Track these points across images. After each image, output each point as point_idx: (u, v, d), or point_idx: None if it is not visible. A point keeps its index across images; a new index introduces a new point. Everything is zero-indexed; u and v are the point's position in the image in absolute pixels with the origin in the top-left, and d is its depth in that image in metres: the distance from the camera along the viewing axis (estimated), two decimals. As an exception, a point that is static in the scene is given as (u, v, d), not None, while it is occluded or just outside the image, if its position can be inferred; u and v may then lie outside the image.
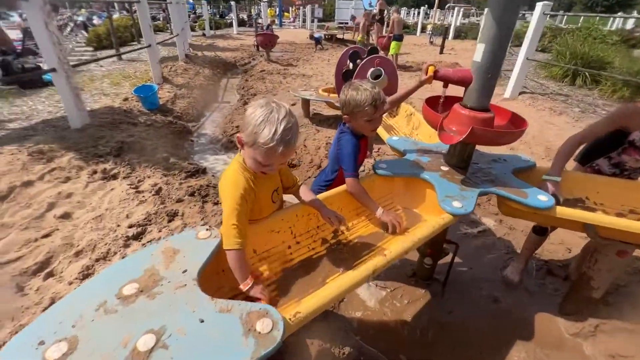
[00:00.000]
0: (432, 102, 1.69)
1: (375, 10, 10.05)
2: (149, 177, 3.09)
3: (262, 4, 20.44)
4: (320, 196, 1.46)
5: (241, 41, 14.04)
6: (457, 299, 2.08)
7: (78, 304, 0.84)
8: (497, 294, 2.12)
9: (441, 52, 12.17)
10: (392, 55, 8.36)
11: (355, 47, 3.42)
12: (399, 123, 2.93)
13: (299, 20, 25.75)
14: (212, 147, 4.45)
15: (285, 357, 1.42)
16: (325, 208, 1.34)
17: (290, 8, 32.75)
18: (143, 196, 2.79)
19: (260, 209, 1.26)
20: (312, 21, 21.77)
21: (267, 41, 9.53)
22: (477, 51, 1.44)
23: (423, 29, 20.22)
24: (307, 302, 0.93)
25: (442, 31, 13.39)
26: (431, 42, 15.55)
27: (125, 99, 4.97)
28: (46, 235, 2.30)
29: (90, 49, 9.21)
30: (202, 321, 0.82)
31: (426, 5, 24.29)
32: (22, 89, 5.84)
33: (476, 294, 2.13)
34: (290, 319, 0.87)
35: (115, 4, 13.93)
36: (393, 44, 8.36)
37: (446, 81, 1.57)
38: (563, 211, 1.42)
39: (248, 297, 1.06)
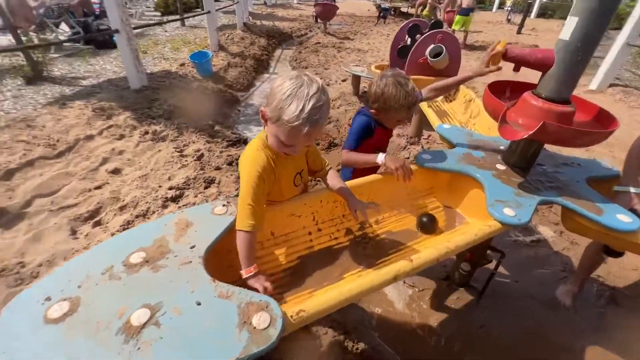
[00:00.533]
0: (496, 88, 1.42)
1: None
2: (193, 142, 3.19)
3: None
4: (350, 183, 1.34)
5: (300, 11, 13.75)
6: (493, 313, 1.87)
7: (89, 265, 0.85)
8: (542, 316, 1.86)
9: (519, 32, 10.75)
10: (454, 30, 7.46)
11: (417, 20, 3.08)
12: (455, 109, 2.63)
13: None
14: (256, 119, 4.47)
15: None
16: (352, 198, 1.22)
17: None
18: (186, 160, 2.89)
19: (280, 191, 1.17)
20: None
21: (326, 12, 9.16)
22: (565, 26, 1.15)
23: (501, 5, 18.00)
24: (314, 301, 0.85)
25: (523, 7, 11.76)
26: (508, 20, 13.78)
27: (182, 64, 5.16)
28: (98, 187, 2.49)
29: (158, 14, 9.66)
30: (199, 304, 0.78)
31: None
32: (97, 48, 6.36)
33: (516, 311, 1.89)
34: (292, 317, 0.80)
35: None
36: (457, 18, 7.42)
37: (519, 63, 1.30)
38: (650, 238, 1.13)
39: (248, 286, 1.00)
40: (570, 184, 1.37)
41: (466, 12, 7.39)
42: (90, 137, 3.07)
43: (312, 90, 0.90)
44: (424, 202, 1.55)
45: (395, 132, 4.01)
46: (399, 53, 3.06)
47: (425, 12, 9.66)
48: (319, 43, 8.03)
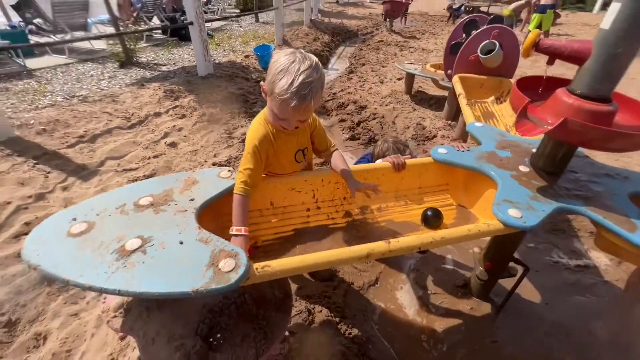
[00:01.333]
0: (528, 83, 1.31)
1: None
2: (241, 126, 3.45)
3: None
4: (355, 168, 1.37)
5: (371, 10, 13.67)
6: (510, 331, 1.72)
7: (109, 200, 1.04)
8: (566, 348, 1.65)
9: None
10: (529, 31, 6.66)
11: (475, 15, 2.89)
12: (503, 111, 2.44)
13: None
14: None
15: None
16: (352, 178, 1.25)
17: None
18: (232, 141, 3.16)
19: (281, 166, 1.25)
20: None
21: (393, 9, 8.98)
22: (607, 14, 1.02)
23: (605, 5, 15.58)
24: (282, 261, 0.91)
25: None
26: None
27: (247, 56, 5.56)
28: (156, 156, 2.87)
29: (237, 11, 10.48)
30: (181, 243, 0.90)
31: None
32: (180, 41, 7.18)
33: (538, 337, 1.71)
34: (257, 269, 0.88)
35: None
36: (533, 16, 6.60)
37: (552, 55, 1.18)
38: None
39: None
40: (604, 195, 1.21)
41: (543, 9, 6.54)
42: (158, 114, 3.52)
43: (304, 66, 0.96)
44: (437, 198, 1.50)
45: (430, 113, 3.84)
46: (452, 50, 2.91)
47: (507, 11, 8.85)
48: (382, 41, 7.92)
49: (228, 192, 1.15)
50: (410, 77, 4.37)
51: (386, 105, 4.24)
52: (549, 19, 6.76)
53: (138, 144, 3.03)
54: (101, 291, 0.77)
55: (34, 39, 5.77)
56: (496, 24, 2.54)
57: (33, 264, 0.80)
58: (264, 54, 5.16)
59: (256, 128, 1.15)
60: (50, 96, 3.82)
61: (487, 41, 2.45)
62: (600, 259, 2.19)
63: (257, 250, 1.20)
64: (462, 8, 11.50)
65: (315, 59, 1.01)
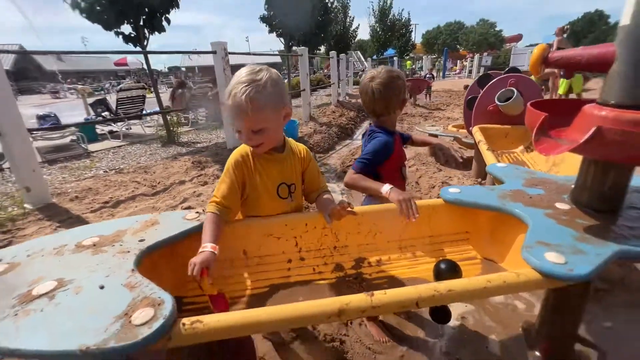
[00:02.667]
0: (542, 105, 1.11)
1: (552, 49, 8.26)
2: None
3: (424, 58, 21.06)
4: (357, 209, 1.14)
5: (396, 91, 14.65)
6: None
7: (53, 240, 0.92)
8: None
9: None
10: (560, 96, 6.46)
11: (489, 72, 2.85)
12: (535, 159, 2.16)
13: (464, 71, 24.83)
14: (327, 175, 4.60)
15: None
16: (325, 214, 1.07)
17: (458, 61, 32.25)
18: (246, 205, 3.10)
19: (258, 199, 1.09)
20: (478, 70, 20.46)
21: (416, 86, 9.51)
22: (625, 8, 0.86)
23: None
24: (220, 316, 0.68)
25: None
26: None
27: (274, 131, 5.93)
28: (170, 220, 2.85)
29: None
30: (101, 287, 0.72)
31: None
32: (222, 124, 8.02)
33: None
34: (184, 325, 0.65)
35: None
36: (561, 81, 6.46)
37: (567, 66, 1.01)
38: None
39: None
40: (689, 235, 0.86)
41: (570, 72, 6.45)
42: (182, 182, 3.66)
43: (245, 70, 0.95)
44: (455, 250, 1.20)
45: (458, 172, 3.50)
46: (468, 105, 2.81)
47: (535, 78, 8.94)
48: (406, 113, 8.19)
49: (190, 235, 0.99)
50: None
51: (409, 167, 4.08)
52: (579, 81, 6.62)
53: (156, 209, 3.07)
54: (-32, 345, 0.59)
55: (100, 127, 6.77)
56: (513, 73, 2.45)
57: None
58: (288, 128, 5.47)
59: (236, 150, 1.10)
60: (94, 170, 4.21)
61: (504, 89, 2.33)
62: None
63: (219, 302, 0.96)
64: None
65: (272, 70, 0.96)
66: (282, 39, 10.08)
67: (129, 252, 0.86)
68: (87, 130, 6.17)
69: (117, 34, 4.84)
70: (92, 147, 5.75)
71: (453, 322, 1.80)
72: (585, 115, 0.94)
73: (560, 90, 6.59)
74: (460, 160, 1.51)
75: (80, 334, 0.60)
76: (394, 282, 1.07)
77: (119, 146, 5.96)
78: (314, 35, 10.84)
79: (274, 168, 1.09)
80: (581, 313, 1.19)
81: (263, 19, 9.53)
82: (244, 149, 1.10)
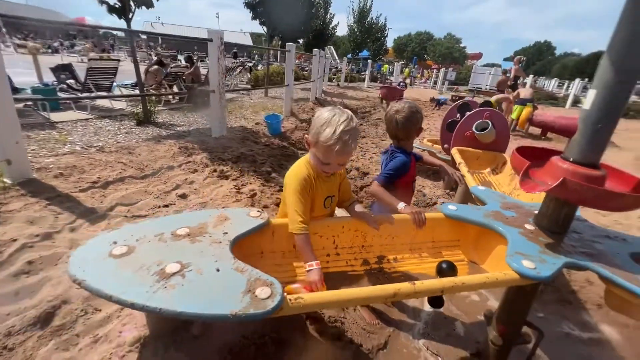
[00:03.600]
0: (523, 151, 1.50)
1: (510, 76, 9.31)
2: (250, 183, 3.60)
3: (396, 64, 21.95)
4: (376, 217, 1.45)
5: (368, 93, 15.22)
6: (529, 406, 1.60)
7: (148, 229, 1.09)
8: None
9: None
10: (512, 119, 7.40)
11: (467, 100, 3.32)
12: (500, 181, 2.64)
13: (430, 82, 26.32)
14: (310, 174, 4.87)
15: None
16: (371, 219, 1.36)
17: (425, 70, 34.00)
18: (240, 196, 3.25)
19: (312, 208, 1.35)
20: (443, 83, 21.90)
21: (390, 94, 10.07)
22: (587, 97, 1.25)
23: (576, 102, 17.64)
24: (315, 295, 0.94)
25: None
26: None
27: (257, 123, 6.03)
28: (166, 206, 2.92)
29: (249, 86, 11.62)
30: (217, 270, 0.94)
31: (587, 79, 21.27)
32: (196, 107, 7.81)
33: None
34: (291, 300, 0.90)
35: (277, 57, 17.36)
36: (515, 107, 7.39)
37: (545, 128, 1.39)
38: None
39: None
40: (608, 254, 1.29)
41: (522, 102, 7.42)
42: (171, 168, 3.68)
43: (343, 118, 1.17)
44: (449, 253, 1.56)
45: (429, 182, 4.02)
46: (448, 127, 3.26)
47: (492, 100, 9.94)
48: (380, 119, 8.69)
49: (256, 232, 1.21)
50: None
51: (386, 173, 4.49)
52: (528, 109, 7.62)
53: (149, 193, 3.11)
54: (143, 309, 0.78)
55: (62, 96, 6.26)
56: (486, 107, 2.92)
57: (78, 279, 0.82)
58: (273, 122, 5.61)
59: (300, 171, 1.28)
60: (69, 145, 4.01)
61: (480, 120, 2.78)
62: (611, 333, 2.15)
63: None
64: (443, 98, 12.99)
65: (350, 112, 1.20)
66: (264, 27, 9.99)
67: (220, 242, 1.07)
68: (47, 93, 5.70)
69: (101, 2, 4.58)
70: (54, 116, 5.34)
71: (428, 310, 2.20)
72: (554, 165, 1.33)
73: (513, 115, 7.51)
74: (460, 182, 1.87)
75: (223, 303, 0.83)
76: (407, 276, 1.39)
77: (86, 119, 5.61)
78: (296, 28, 10.91)
79: (325, 185, 1.35)
80: (529, 305, 1.62)
81: (248, 4, 9.37)
82: (307, 170, 1.29)
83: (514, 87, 9.33)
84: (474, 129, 2.76)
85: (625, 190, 1.32)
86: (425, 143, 4.36)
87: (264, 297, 0.85)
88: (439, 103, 12.51)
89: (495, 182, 2.63)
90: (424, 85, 26.36)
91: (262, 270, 1.24)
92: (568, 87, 19.07)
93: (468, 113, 2.97)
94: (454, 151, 2.80)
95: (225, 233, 1.12)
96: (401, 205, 1.52)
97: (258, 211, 1.30)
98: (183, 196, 3.13)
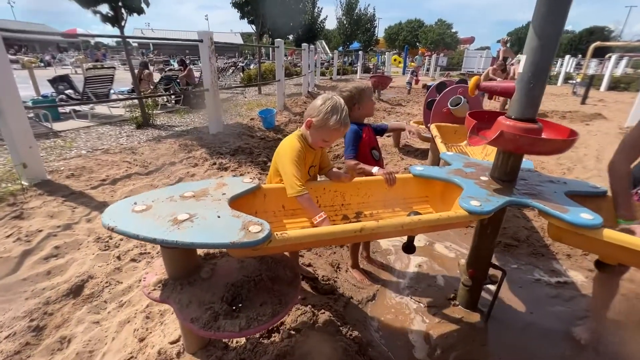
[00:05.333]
0: (477, 115, 1.74)
1: (500, 57, 9.46)
2: (248, 172, 3.85)
3: (387, 54, 22.06)
4: (356, 180, 1.70)
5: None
6: (498, 336, 1.86)
7: (160, 194, 1.33)
8: (553, 350, 1.79)
9: (583, 103, 10.49)
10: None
11: (444, 80, 3.53)
12: (474, 150, 2.87)
13: (422, 69, 26.40)
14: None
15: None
16: (343, 174, 1.66)
17: (416, 58, 33.99)
18: (239, 184, 3.50)
19: None
20: (435, 69, 22.00)
21: (381, 82, 10.27)
22: (520, 62, 1.49)
23: (568, 79, 17.75)
24: (297, 231, 1.19)
25: (587, 81, 11.55)
26: (574, 93, 13.50)
27: (252, 119, 6.26)
28: (171, 196, 3.17)
29: (242, 85, 11.83)
30: (218, 217, 1.18)
31: (580, 55, 21.36)
32: (192, 108, 8.06)
33: (525, 341, 1.85)
34: (277, 234, 1.14)
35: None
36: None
37: (489, 92, 1.62)
38: (612, 235, 1.24)
39: None
40: (546, 193, 1.53)
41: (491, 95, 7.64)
42: (173, 163, 3.93)
43: (342, 104, 1.47)
44: (418, 207, 1.80)
45: (417, 161, 4.28)
46: (428, 106, 3.48)
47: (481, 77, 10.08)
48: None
49: (250, 192, 1.46)
50: (397, 133, 4.96)
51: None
52: (476, 78, 7.77)
53: (155, 187, 3.36)
54: (162, 243, 1.03)
55: (65, 104, 6.51)
56: (462, 84, 3.14)
57: (111, 226, 1.07)
58: (267, 116, 5.85)
59: (294, 144, 1.53)
60: (75, 150, 4.27)
61: (454, 96, 3.01)
62: (577, 277, 2.40)
63: None
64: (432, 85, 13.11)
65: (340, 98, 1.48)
66: (253, 26, 10.17)
67: (220, 200, 1.31)
68: (51, 109, 5.96)
69: (95, 12, 4.80)
70: (56, 126, 5.60)
71: (413, 268, 2.45)
72: (498, 123, 1.57)
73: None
74: (423, 134, 2.14)
75: (224, 236, 1.07)
76: (381, 226, 1.64)
77: (88, 126, 5.86)
78: (285, 24, 11.08)
79: (311, 156, 1.61)
80: (492, 250, 1.86)
81: (235, 4, 9.54)
82: (300, 143, 1.53)
83: (504, 69, 9.49)
84: (448, 104, 2.99)
85: (561, 137, 1.56)
86: (411, 124, 4.58)
87: (255, 232, 1.10)
88: (429, 89, 12.64)
89: (470, 152, 2.86)
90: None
91: (257, 227, 1.49)
92: (562, 64, 19.15)
93: (444, 90, 3.19)
94: (432, 127, 3.03)
95: (224, 194, 1.37)
96: (375, 169, 1.77)
97: (250, 178, 1.54)
98: (242, 176, 3.38)
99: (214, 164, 4.00)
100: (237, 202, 1.41)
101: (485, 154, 2.64)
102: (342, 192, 1.68)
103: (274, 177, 1.62)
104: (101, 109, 7.17)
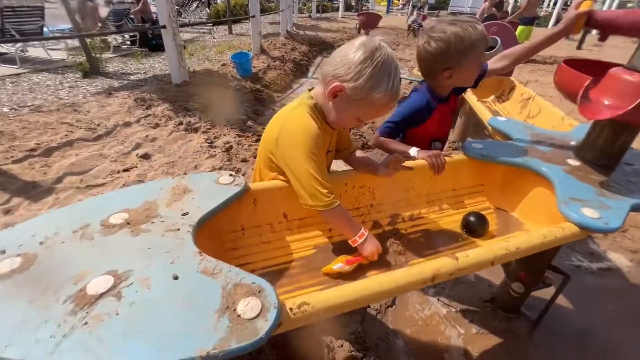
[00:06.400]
0: (571, 65, 1.15)
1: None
2: (224, 134, 3.15)
3: (371, -13, 19.92)
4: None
5: (344, 24, 13.87)
6: (548, 349, 1.52)
7: (63, 220, 0.72)
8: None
9: (579, 48, 9.94)
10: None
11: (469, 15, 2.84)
12: (509, 109, 2.32)
13: (408, 7, 24.33)
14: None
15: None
16: (382, 166, 1.07)
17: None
18: (214, 151, 2.84)
19: None
20: (420, 8, 20.26)
21: (369, 21, 9.12)
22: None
23: (559, 21, 16.86)
24: (324, 294, 0.64)
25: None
26: (568, 37, 12.79)
27: (224, 65, 5.28)
28: (126, 170, 2.49)
29: (210, 23, 10.21)
30: (176, 278, 0.61)
31: (569, -6, 20.14)
32: (150, 51, 6.79)
33: (580, 352, 1.52)
34: (291, 310, 0.60)
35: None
36: (520, 29, 6.76)
37: (608, 29, 1.03)
38: None
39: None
40: (674, 188, 1.05)
41: (530, 21, 6.76)
42: (128, 124, 3.14)
43: (393, 59, 0.84)
44: (472, 202, 1.29)
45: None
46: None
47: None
48: (360, 51, 7.94)
49: (231, 203, 0.87)
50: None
51: (374, 111, 4.10)
52: (530, 30, 6.88)
53: (105, 157, 2.64)
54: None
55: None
56: (492, 20, 2.47)
57: None
58: (242, 61, 4.91)
59: (308, 124, 0.89)
60: (-5, 107, 3.33)
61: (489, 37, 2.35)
62: (620, 260, 2.08)
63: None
64: (418, 22, 11.11)
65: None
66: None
67: (178, 229, 0.72)
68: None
69: None
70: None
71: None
72: (618, 80, 1.00)
73: (520, 38, 6.85)
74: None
75: (187, 336, 0.51)
76: (427, 234, 1.13)
77: (18, 74, 4.71)
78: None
79: (328, 138, 0.99)
80: (559, 250, 1.43)
81: None
82: (313, 121, 0.90)
83: (499, 6, 8.50)
84: (479, 49, 2.34)
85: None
86: (415, 73, 3.91)
87: (251, 317, 0.55)
88: (415, 27, 10.74)
89: (502, 112, 2.32)
90: (401, 12, 24.40)
91: (246, 253, 0.93)
92: (556, 3, 18.06)
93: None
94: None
95: (185, 214, 0.77)
96: (414, 150, 1.19)
97: (230, 175, 0.94)
98: (146, 156, 2.69)
99: (180, 123, 3.24)
100: (215, 217, 0.83)
101: (526, 115, 2.10)
102: (371, 187, 1.13)
103: (267, 171, 1.01)
104: (36, 51, 5.82)
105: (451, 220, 1.19)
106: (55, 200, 2.08)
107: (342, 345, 1.32)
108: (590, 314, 1.70)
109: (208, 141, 2.99)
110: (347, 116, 0.90)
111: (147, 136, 2.96)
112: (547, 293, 1.53)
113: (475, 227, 1.11)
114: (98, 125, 3.05)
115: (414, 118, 1.25)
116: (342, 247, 1.03)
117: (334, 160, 1.14)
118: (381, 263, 0.98)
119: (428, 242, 1.09)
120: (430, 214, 1.20)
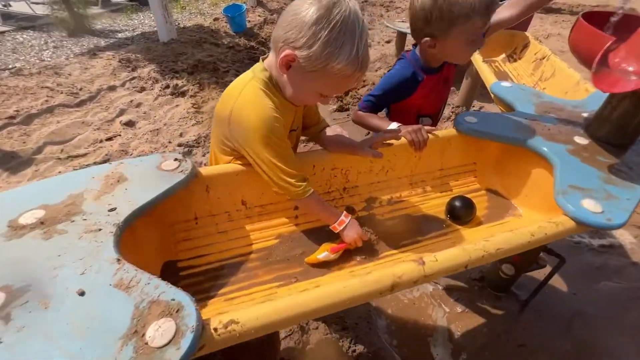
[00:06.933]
0: (593, 20, 0.95)
1: None
2: (213, 99, 2.97)
3: None
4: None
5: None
6: (537, 331, 1.47)
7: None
8: (604, 343, 1.43)
9: (612, -6, 8.88)
10: None
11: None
12: (520, 70, 2.08)
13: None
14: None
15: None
16: (360, 143, 0.94)
17: None
18: (201, 117, 2.70)
19: None
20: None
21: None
22: None
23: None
24: (256, 311, 0.55)
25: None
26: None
27: (216, 19, 4.90)
28: (110, 139, 2.39)
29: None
30: (81, 294, 0.52)
31: None
32: (141, 5, 6.32)
33: (570, 333, 1.47)
34: (216, 329, 0.52)
35: None
36: None
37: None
38: None
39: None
40: (697, 172, 0.90)
41: None
42: (112, 88, 2.98)
43: (359, 17, 0.66)
44: (459, 183, 1.16)
45: None
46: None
47: None
48: (366, 1, 7.27)
49: (180, 191, 0.76)
50: (401, 38, 3.92)
51: (376, 70, 3.80)
52: None
53: (88, 125, 2.53)
54: None
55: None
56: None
57: None
58: (235, 15, 4.52)
59: (264, 110, 0.75)
60: (-28, 71, 3.18)
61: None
62: (624, 237, 1.96)
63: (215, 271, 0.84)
64: None
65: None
66: None
67: (100, 230, 0.63)
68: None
69: None
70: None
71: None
72: (647, 39, 0.81)
73: None
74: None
75: (78, 372, 0.44)
76: (407, 220, 1.02)
77: (2, 32, 4.47)
78: None
79: (290, 116, 0.85)
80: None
81: None
82: (270, 104, 0.76)
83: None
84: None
85: None
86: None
87: (160, 345, 0.47)
88: None
89: (513, 73, 2.07)
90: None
91: (199, 244, 0.85)
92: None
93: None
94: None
95: (112, 210, 0.67)
96: (393, 125, 1.04)
97: (176, 159, 0.82)
98: (130, 124, 2.57)
99: (167, 87, 3.06)
100: (158, 206, 0.74)
101: (538, 77, 1.87)
102: (343, 169, 1.00)
103: (221, 155, 0.89)
104: (20, 6, 5.48)
105: (435, 204, 1.07)
106: (35, 173, 2.02)
107: (316, 328, 1.29)
108: (585, 293, 1.64)
109: (195, 106, 2.83)
110: (306, 91, 0.76)
111: (131, 101, 2.81)
112: (540, 272, 1.46)
113: (461, 213, 1.00)
114: (80, 89, 2.90)
115: (397, 91, 1.08)
116: (309, 236, 0.94)
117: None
118: (350, 257, 0.89)
119: (407, 230, 0.99)
120: (411, 197, 1.08)
